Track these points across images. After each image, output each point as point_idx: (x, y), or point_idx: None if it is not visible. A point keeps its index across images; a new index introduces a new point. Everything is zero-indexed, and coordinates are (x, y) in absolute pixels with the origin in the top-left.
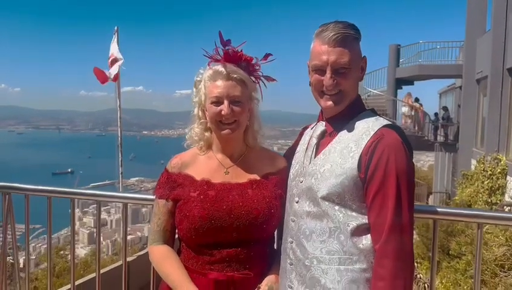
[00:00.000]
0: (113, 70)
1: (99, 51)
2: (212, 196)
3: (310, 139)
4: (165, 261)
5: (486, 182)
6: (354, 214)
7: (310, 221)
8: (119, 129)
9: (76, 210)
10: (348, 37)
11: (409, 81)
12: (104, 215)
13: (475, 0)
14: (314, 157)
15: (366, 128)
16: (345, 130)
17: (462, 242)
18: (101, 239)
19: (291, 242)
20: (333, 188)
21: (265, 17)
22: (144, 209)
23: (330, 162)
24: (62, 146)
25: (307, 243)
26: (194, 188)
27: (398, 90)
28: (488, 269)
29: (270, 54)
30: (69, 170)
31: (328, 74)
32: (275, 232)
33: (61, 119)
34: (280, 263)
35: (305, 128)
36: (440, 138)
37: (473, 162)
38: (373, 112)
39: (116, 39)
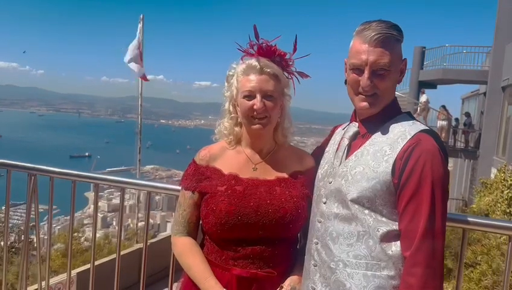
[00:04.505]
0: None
1: (123, 37)
2: (240, 192)
3: (341, 139)
4: (188, 253)
5: (506, 192)
6: (384, 219)
7: (338, 223)
8: (139, 117)
9: (92, 194)
10: (390, 38)
11: (432, 85)
12: (118, 201)
13: (505, 6)
14: (345, 159)
15: (402, 132)
16: (379, 133)
17: (478, 251)
18: (115, 224)
19: (317, 243)
20: (364, 192)
21: (292, 13)
22: (157, 197)
23: (362, 164)
24: (81, 130)
25: (333, 246)
26: (222, 182)
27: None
28: None
29: (295, 40)
30: (87, 154)
31: (365, 74)
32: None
33: (82, 104)
34: (303, 263)
35: (336, 127)
36: (460, 144)
37: (493, 170)
38: (409, 116)
39: (141, 28)
